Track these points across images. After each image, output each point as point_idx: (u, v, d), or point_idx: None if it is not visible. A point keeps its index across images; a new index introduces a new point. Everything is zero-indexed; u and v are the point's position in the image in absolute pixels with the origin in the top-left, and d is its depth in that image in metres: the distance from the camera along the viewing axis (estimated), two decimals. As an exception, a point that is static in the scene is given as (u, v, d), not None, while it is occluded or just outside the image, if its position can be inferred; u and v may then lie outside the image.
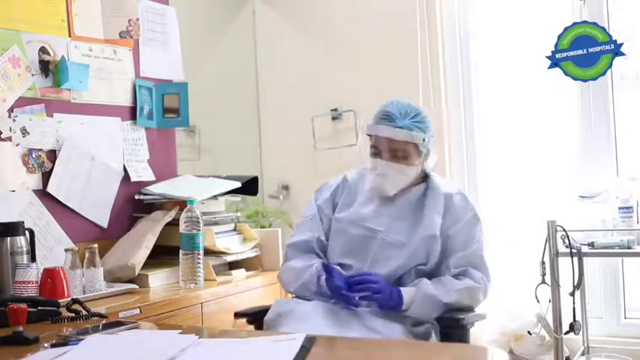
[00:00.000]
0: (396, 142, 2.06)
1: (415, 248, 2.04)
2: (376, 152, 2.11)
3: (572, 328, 2.60)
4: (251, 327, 2.14)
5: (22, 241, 2.16)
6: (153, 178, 2.86)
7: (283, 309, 2.02)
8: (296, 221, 3.40)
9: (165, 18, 2.98)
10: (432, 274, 2.05)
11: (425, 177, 2.18)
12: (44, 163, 2.47)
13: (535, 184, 3.15)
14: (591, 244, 2.60)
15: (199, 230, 2.45)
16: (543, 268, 2.57)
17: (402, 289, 1.98)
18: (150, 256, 2.50)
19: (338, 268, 2.02)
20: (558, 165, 3.16)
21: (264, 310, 2.09)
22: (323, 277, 2.00)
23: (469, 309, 2.03)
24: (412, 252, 2.04)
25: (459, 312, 1.99)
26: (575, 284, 2.57)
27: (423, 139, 2.07)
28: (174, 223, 2.57)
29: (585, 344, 2.88)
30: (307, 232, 2.18)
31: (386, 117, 2.07)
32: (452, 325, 1.97)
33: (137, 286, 2.39)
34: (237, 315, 2.19)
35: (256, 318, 2.12)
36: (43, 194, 2.46)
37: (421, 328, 1.98)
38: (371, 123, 2.13)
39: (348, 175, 2.26)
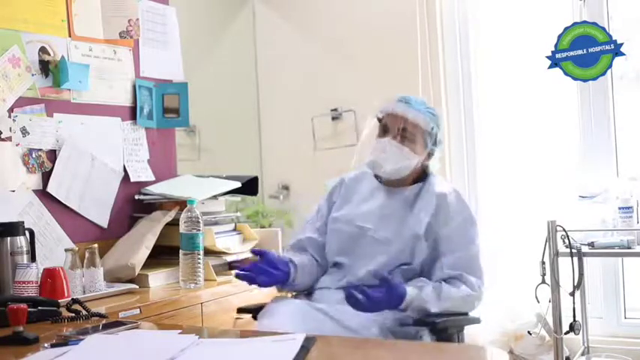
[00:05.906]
0: (407, 121, 2.08)
1: (400, 247, 2.03)
2: (384, 130, 2.12)
3: (572, 328, 2.60)
4: (252, 327, 2.13)
5: (22, 241, 2.16)
6: (153, 178, 2.86)
7: (270, 306, 2.01)
8: (296, 221, 3.44)
9: (166, 18, 2.98)
10: (422, 274, 2.02)
11: (424, 177, 2.17)
12: (44, 163, 2.47)
13: (535, 184, 3.16)
14: (591, 244, 2.60)
15: (199, 230, 2.45)
16: (543, 268, 2.57)
17: (407, 289, 1.90)
18: (150, 256, 2.50)
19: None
20: (558, 165, 3.16)
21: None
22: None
23: (461, 314, 1.99)
24: (397, 250, 2.02)
25: (440, 316, 1.92)
26: (575, 284, 2.58)
27: (432, 128, 2.10)
28: (174, 223, 2.57)
29: (585, 344, 2.88)
30: (302, 233, 2.24)
31: (403, 99, 2.13)
32: (432, 329, 1.92)
33: (137, 286, 2.39)
34: (240, 310, 2.19)
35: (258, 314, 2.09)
36: (43, 194, 2.46)
37: (412, 329, 1.94)
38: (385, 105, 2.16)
39: (346, 176, 2.28)
